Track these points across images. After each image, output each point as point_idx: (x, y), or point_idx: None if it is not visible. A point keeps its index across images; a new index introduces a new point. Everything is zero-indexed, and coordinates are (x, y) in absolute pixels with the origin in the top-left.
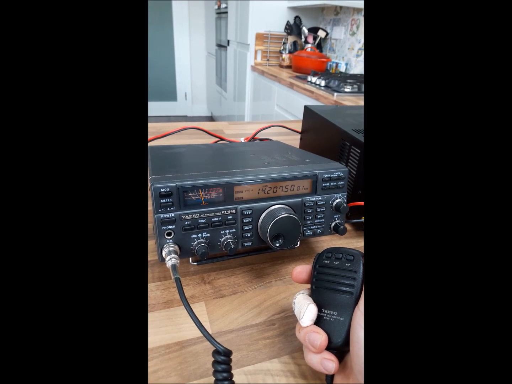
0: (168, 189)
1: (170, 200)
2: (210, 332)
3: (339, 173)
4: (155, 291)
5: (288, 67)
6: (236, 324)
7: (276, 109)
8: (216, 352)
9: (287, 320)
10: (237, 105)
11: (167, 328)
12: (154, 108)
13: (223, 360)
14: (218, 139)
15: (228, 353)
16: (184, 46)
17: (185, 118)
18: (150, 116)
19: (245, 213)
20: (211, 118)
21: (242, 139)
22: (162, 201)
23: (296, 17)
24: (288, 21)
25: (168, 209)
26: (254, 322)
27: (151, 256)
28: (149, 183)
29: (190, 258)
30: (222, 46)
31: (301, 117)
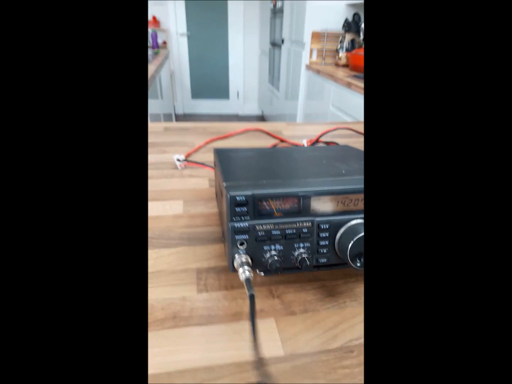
0: (244, 198)
1: (245, 209)
2: (283, 353)
3: None
4: (223, 301)
5: (345, 66)
6: (311, 347)
7: (331, 108)
8: None
9: None
10: (289, 104)
11: (236, 343)
12: (207, 105)
13: None
14: (278, 141)
15: None
16: (238, 45)
17: (236, 117)
18: (203, 114)
19: (322, 227)
20: (261, 117)
21: (304, 142)
22: (237, 209)
23: (355, 14)
24: (346, 19)
25: (243, 218)
26: (330, 346)
27: (217, 262)
28: (224, 191)
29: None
30: (276, 45)
31: (359, 118)
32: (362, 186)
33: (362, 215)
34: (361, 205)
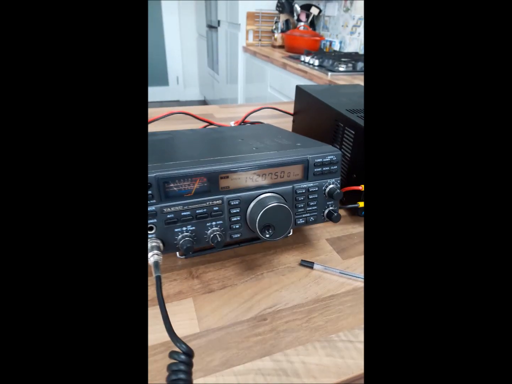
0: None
1: (150, 192)
2: (198, 330)
3: (332, 157)
4: None
5: (281, 47)
6: (226, 321)
7: (269, 90)
8: (175, 353)
9: (279, 314)
10: (230, 88)
11: (152, 328)
12: None
13: (183, 360)
14: (207, 123)
15: (189, 353)
16: (174, 28)
17: (177, 103)
18: None
19: (232, 203)
20: (204, 102)
21: (232, 123)
22: None
23: None
24: None
25: (148, 202)
26: (245, 317)
27: None
28: None
29: (177, 252)
30: (213, 27)
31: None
32: (268, 161)
33: (270, 189)
34: (268, 179)
